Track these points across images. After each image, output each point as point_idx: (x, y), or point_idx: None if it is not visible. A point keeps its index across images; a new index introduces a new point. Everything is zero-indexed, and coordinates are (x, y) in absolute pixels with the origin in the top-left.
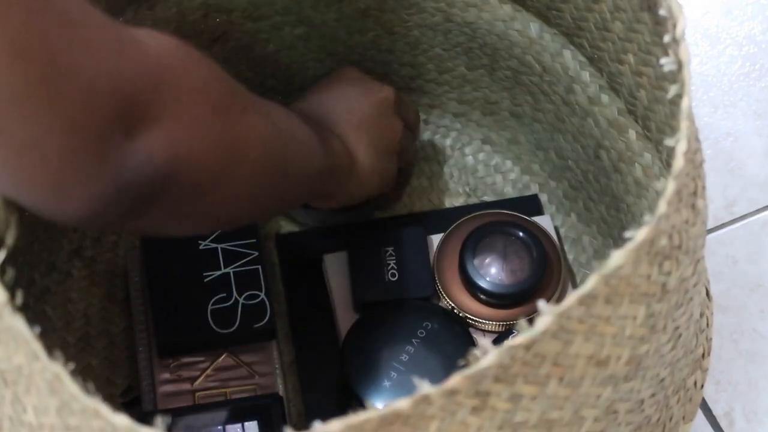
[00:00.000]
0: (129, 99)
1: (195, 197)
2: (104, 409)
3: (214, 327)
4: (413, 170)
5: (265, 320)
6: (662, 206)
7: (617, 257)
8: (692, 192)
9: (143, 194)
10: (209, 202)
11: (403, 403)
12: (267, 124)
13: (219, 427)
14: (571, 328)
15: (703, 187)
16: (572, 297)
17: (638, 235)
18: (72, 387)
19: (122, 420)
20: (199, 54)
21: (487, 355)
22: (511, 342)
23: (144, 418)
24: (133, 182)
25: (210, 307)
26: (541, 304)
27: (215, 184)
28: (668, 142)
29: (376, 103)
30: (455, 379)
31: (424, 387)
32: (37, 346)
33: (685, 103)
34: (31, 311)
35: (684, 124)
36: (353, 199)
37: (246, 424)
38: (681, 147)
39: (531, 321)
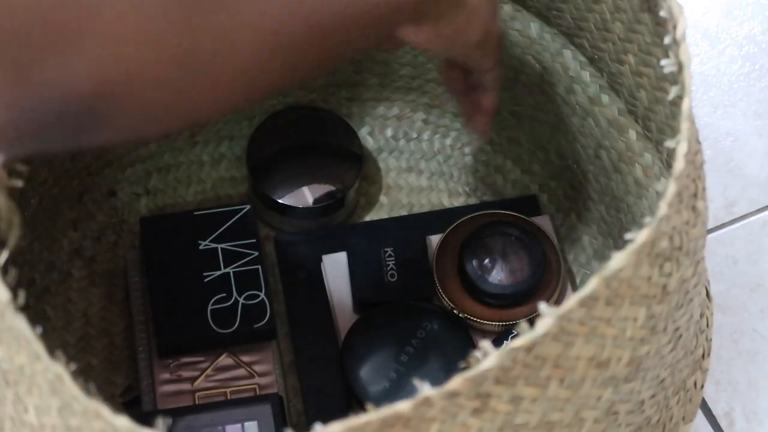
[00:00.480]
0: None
1: (157, 107)
2: (105, 411)
3: (214, 327)
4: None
5: (265, 320)
6: (663, 208)
7: (618, 259)
8: (693, 193)
9: (77, 121)
10: (185, 106)
11: (403, 405)
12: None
13: (219, 428)
14: (572, 330)
15: (704, 189)
16: (573, 299)
17: (639, 237)
18: (73, 388)
19: (123, 421)
20: None
21: (487, 357)
22: (511, 344)
23: (144, 419)
24: (41, 112)
25: (210, 307)
26: (542, 306)
27: (181, 94)
28: (669, 143)
29: None
30: (456, 381)
31: (425, 389)
32: (39, 347)
33: (685, 104)
34: (31, 311)
35: (684, 126)
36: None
37: (246, 424)
38: (682, 149)
39: (531, 322)
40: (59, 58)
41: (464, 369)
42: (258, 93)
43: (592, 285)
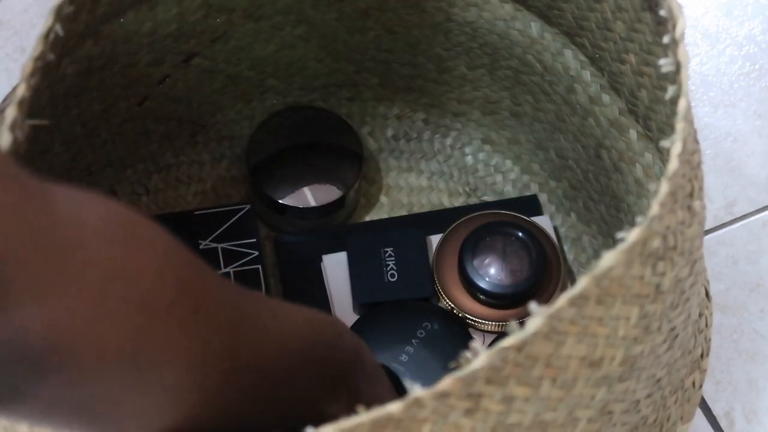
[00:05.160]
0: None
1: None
2: None
3: None
4: None
5: None
6: (654, 208)
7: (608, 258)
8: (688, 193)
9: (17, 368)
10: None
11: (394, 407)
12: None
13: None
14: (563, 329)
15: (701, 189)
16: (563, 298)
17: (630, 237)
18: None
19: None
20: (146, 230)
21: (478, 356)
22: (502, 343)
23: None
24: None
25: None
26: (532, 305)
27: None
28: (664, 143)
29: None
30: (446, 382)
31: (416, 390)
32: None
33: (682, 104)
34: None
35: (680, 126)
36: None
37: None
38: (676, 149)
39: (523, 322)
40: (20, 307)
41: (455, 369)
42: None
43: (582, 284)
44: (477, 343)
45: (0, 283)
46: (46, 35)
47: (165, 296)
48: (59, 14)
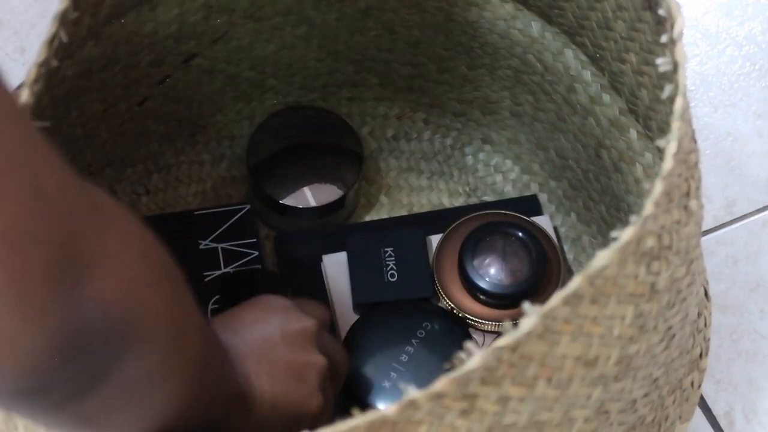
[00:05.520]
0: (73, 247)
1: (157, 361)
2: None
3: None
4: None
5: None
6: (648, 207)
7: (601, 257)
8: (685, 193)
9: (100, 346)
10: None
11: (390, 409)
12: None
13: None
14: (557, 328)
15: (698, 188)
16: (557, 297)
17: (623, 236)
18: None
19: None
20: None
21: (472, 357)
22: (496, 343)
23: None
24: (85, 329)
25: (210, 307)
26: (526, 305)
27: (171, 348)
28: (659, 143)
29: (291, 334)
30: (441, 383)
31: (411, 392)
32: None
33: (678, 103)
34: None
35: (676, 125)
36: None
37: None
38: (671, 148)
39: (517, 322)
40: (99, 279)
41: (450, 370)
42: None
43: (575, 283)
44: (471, 343)
45: (74, 258)
46: (51, 41)
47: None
48: (64, 20)
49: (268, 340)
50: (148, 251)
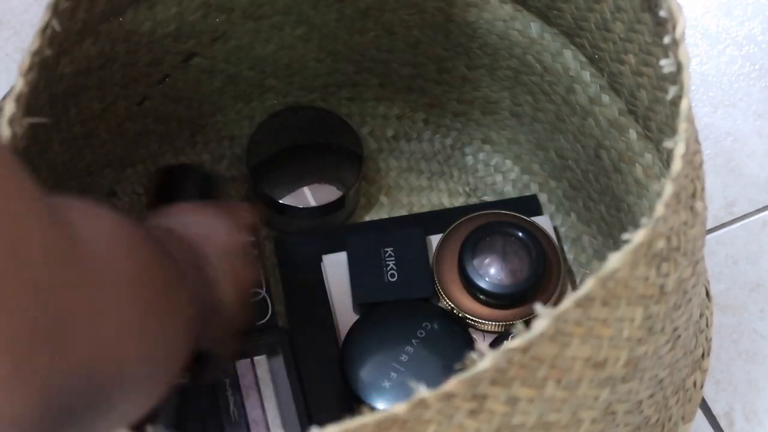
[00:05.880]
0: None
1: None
2: None
3: None
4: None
5: (267, 317)
6: (660, 209)
7: (614, 260)
8: (691, 194)
9: (86, 404)
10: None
11: (399, 408)
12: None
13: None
14: (568, 330)
15: (702, 189)
16: (569, 300)
17: (635, 238)
18: None
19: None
20: (136, 240)
21: (483, 358)
22: (507, 345)
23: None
24: (70, 395)
25: None
26: (538, 306)
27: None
28: (667, 144)
29: (234, 247)
30: (452, 383)
31: (421, 391)
32: None
33: (684, 104)
34: None
35: (682, 126)
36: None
37: (256, 358)
38: (679, 149)
39: (528, 323)
40: (85, 335)
41: (460, 370)
42: None
43: (588, 286)
44: (483, 344)
45: (54, 321)
46: (44, 30)
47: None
48: (56, 9)
49: (220, 250)
50: (135, 270)
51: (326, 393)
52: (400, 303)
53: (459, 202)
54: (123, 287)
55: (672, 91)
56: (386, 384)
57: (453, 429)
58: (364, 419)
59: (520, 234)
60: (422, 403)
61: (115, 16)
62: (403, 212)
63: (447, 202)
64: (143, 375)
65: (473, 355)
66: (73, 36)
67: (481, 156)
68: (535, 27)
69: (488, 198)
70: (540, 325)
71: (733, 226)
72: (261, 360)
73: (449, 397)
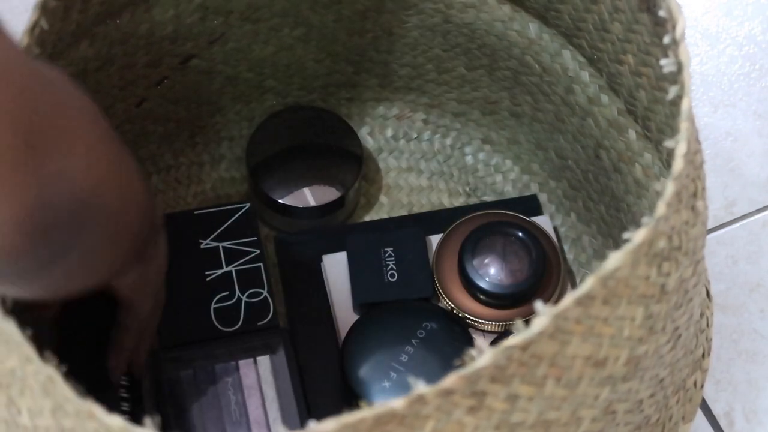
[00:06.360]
0: (37, 124)
1: (115, 226)
2: (98, 411)
3: (218, 325)
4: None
5: (269, 317)
6: (661, 208)
7: (615, 259)
8: (692, 193)
9: (67, 221)
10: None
11: (398, 403)
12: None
13: (232, 363)
14: (568, 329)
15: (703, 188)
16: (569, 298)
17: (636, 237)
18: (65, 389)
19: (116, 421)
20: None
21: (482, 355)
22: (507, 342)
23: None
24: (55, 205)
25: (213, 306)
26: (538, 304)
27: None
28: (668, 143)
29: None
30: (451, 379)
31: (420, 387)
32: (29, 349)
33: (685, 104)
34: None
35: (684, 126)
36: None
37: (258, 358)
38: (681, 149)
39: (528, 322)
40: (63, 155)
41: (459, 367)
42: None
43: (588, 284)
44: (482, 341)
45: (37, 135)
46: (32, 29)
47: None
48: (44, 8)
49: None
50: (105, 127)
51: (327, 393)
52: (400, 303)
53: (459, 202)
54: (88, 119)
55: (673, 90)
56: (386, 384)
57: (452, 425)
58: (363, 414)
59: (520, 234)
60: (421, 399)
61: (111, 18)
62: (403, 212)
63: (447, 202)
64: (111, 212)
65: (473, 352)
66: (68, 37)
67: (481, 156)
68: (533, 27)
69: (488, 198)
70: (540, 322)
71: (733, 226)
72: (263, 360)
73: (448, 393)
